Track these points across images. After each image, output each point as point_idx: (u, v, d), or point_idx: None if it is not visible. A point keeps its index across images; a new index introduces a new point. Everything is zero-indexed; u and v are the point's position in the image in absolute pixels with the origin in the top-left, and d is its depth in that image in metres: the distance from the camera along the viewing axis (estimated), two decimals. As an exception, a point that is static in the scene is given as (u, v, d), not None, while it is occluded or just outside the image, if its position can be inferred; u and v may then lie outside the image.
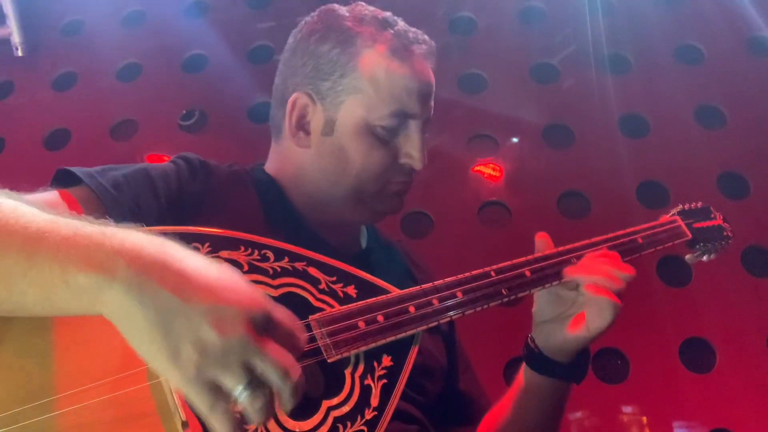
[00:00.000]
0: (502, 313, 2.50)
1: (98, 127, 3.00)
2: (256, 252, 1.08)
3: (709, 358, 2.38)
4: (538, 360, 1.34)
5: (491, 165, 2.80)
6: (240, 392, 0.78)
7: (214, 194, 1.29)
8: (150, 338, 0.77)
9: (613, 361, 2.43)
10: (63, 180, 1.21)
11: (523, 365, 1.38)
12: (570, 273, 1.28)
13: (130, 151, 2.91)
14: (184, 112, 2.97)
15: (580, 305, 1.28)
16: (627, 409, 2.37)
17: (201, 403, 0.78)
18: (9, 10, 3.09)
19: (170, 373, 0.78)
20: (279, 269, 1.09)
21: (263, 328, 0.81)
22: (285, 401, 0.81)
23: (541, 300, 1.33)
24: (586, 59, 2.89)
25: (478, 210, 2.71)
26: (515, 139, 2.83)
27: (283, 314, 0.85)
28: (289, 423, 1.00)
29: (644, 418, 2.34)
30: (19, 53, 3.14)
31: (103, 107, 3.04)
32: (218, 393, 0.78)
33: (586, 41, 2.91)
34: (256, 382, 0.79)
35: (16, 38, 3.11)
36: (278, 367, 0.80)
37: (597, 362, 2.41)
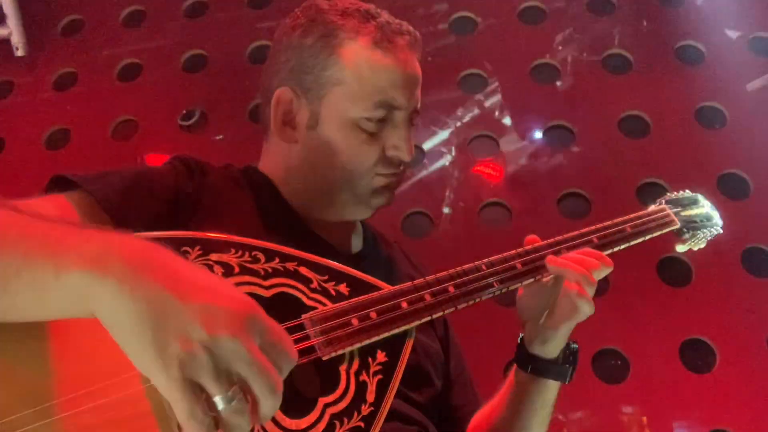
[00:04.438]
0: (503, 313, 2.50)
1: (98, 127, 3.00)
2: (247, 254, 1.08)
3: (709, 358, 2.38)
4: (525, 358, 1.33)
5: (491, 165, 2.80)
6: (222, 401, 0.76)
7: (210, 194, 1.28)
8: (138, 333, 0.75)
9: (613, 361, 2.43)
10: (58, 185, 1.19)
11: (515, 365, 1.37)
12: (552, 263, 1.25)
13: (130, 151, 2.91)
14: (184, 112, 2.98)
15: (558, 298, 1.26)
16: (627, 409, 2.37)
17: (181, 405, 0.75)
18: (9, 10, 3.09)
19: (155, 370, 0.75)
20: (270, 270, 1.09)
21: (254, 333, 0.79)
22: (264, 414, 0.79)
23: (523, 298, 1.31)
24: (586, 59, 2.89)
25: (478, 210, 2.71)
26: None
27: (273, 322, 0.83)
28: (286, 421, 0.99)
29: (644, 418, 2.34)
30: (19, 53, 3.14)
31: (103, 107, 3.04)
32: (199, 398, 0.76)
33: (587, 41, 2.91)
34: (239, 393, 0.77)
35: (16, 38, 3.12)
36: (264, 376, 0.78)
37: (597, 362, 2.41)
